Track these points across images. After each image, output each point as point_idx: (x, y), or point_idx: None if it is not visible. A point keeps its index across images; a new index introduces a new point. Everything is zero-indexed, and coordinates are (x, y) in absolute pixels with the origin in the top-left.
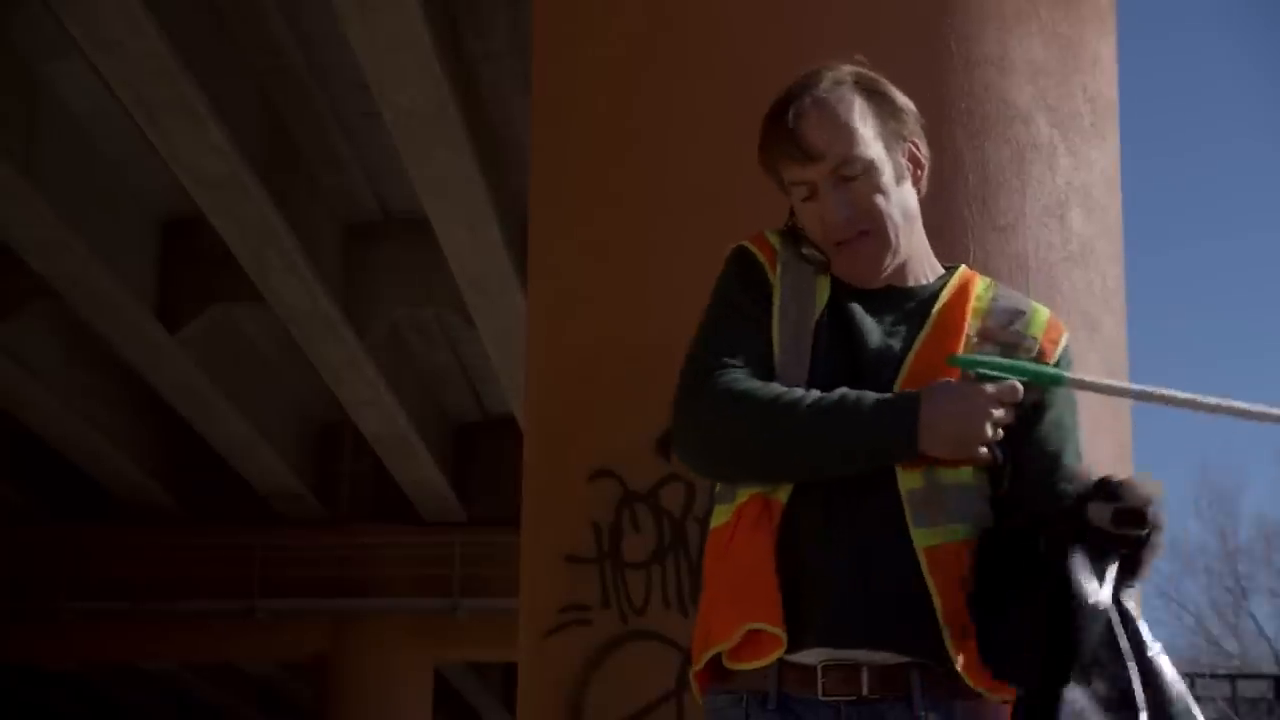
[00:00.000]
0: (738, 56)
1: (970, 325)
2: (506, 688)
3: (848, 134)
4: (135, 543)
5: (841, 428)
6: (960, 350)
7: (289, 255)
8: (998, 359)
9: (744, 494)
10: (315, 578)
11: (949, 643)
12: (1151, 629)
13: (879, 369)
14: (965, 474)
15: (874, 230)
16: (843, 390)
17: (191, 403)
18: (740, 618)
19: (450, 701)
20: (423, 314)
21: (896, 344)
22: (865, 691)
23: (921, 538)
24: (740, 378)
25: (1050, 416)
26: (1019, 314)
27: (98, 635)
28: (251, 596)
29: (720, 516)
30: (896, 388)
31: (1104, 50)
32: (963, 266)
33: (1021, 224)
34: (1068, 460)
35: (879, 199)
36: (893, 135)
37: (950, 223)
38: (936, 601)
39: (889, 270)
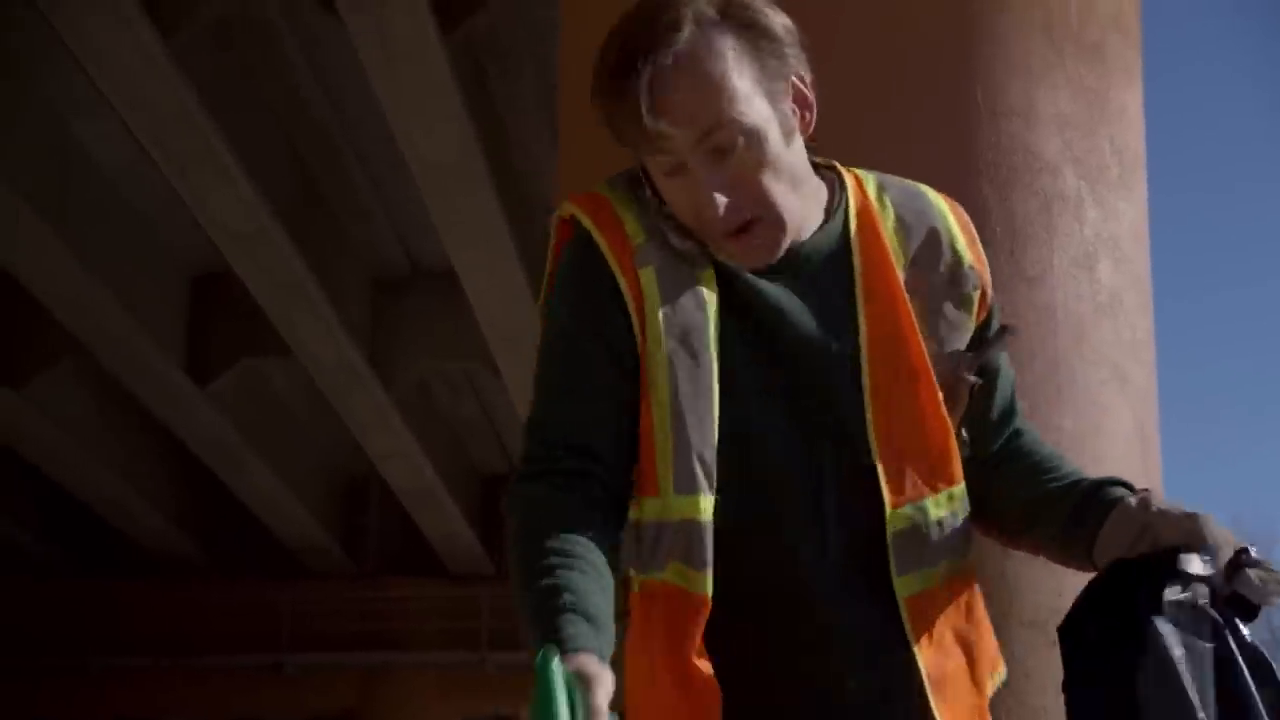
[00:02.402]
0: None
1: (897, 263)
2: None
3: (721, 96)
4: (164, 597)
5: (527, 615)
6: (911, 316)
7: (317, 308)
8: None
9: (640, 578)
10: (343, 632)
11: (933, 699)
12: None
13: (829, 374)
14: (956, 494)
15: (766, 217)
16: (552, 586)
17: (220, 456)
18: None
19: None
20: (449, 366)
21: (831, 329)
22: None
23: (904, 586)
24: (546, 502)
25: (1005, 375)
26: (931, 229)
27: (127, 690)
28: (280, 651)
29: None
30: (865, 383)
31: (1131, 102)
32: (847, 176)
33: (1050, 275)
34: (1018, 407)
35: (767, 177)
36: (775, 78)
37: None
38: (922, 663)
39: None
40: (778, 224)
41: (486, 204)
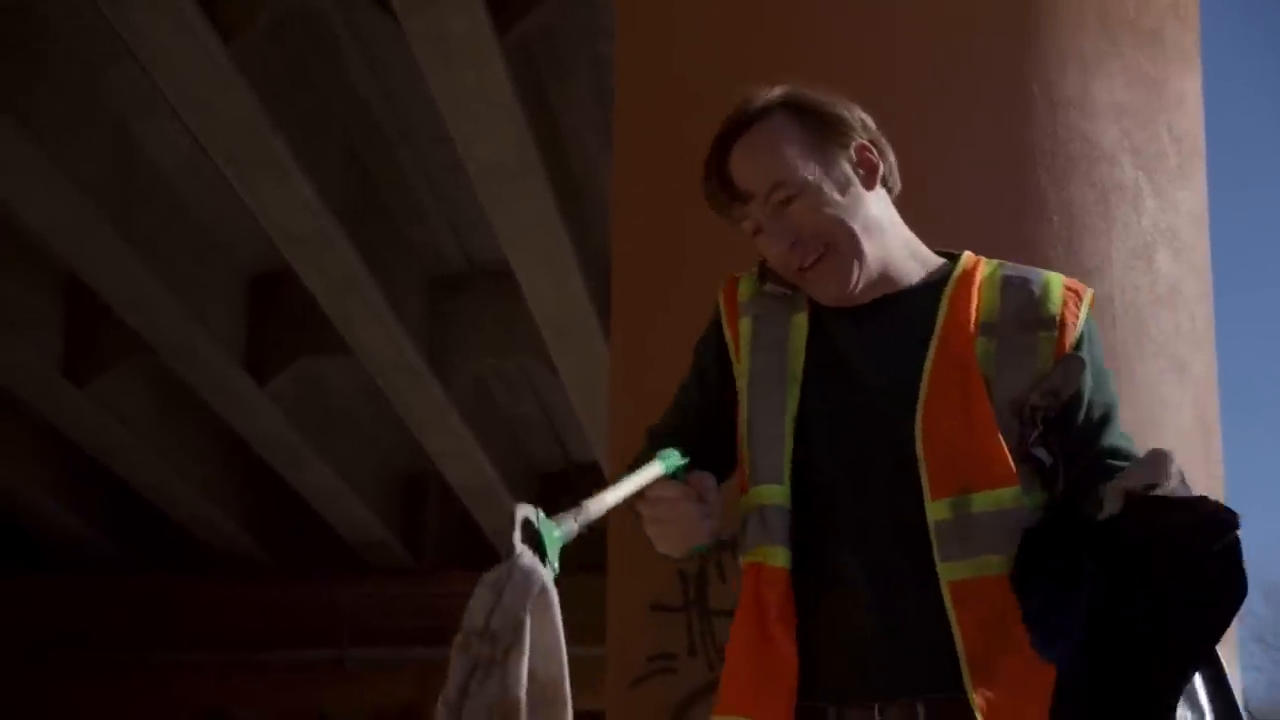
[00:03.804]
0: None
1: (983, 313)
2: None
3: (774, 161)
4: (225, 592)
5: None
6: (975, 349)
7: (375, 307)
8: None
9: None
10: (404, 627)
11: (969, 682)
12: (1247, 674)
13: (891, 392)
14: (1004, 496)
15: (830, 248)
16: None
17: (280, 454)
18: (721, 708)
19: None
20: (507, 363)
21: (904, 359)
22: None
23: (948, 571)
24: (644, 454)
25: (1089, 403)
26: (1029, 292)
27: (188, 685)
28: (341, 646)
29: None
30: (920, 409)
31: (1189, 89)
32: (966, 253)
33: (1108, 266)
34: (1113, 442)
35: (824, 215)
36: (831, 146)
37: (1036, 265)
38: (959, 638)
39: (864, 282)
40: (843, 255)
41: (542, 201)
